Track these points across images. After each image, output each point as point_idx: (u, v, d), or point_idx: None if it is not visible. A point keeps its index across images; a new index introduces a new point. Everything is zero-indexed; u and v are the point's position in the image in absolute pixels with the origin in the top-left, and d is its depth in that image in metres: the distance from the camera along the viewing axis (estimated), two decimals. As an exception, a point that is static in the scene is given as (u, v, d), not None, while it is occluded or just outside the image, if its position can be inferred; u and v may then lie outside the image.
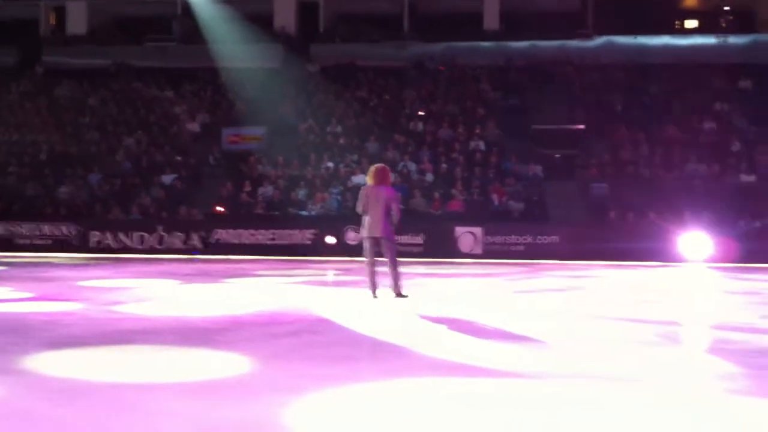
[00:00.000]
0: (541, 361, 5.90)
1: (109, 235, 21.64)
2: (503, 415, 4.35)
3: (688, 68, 27.24)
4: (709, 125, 24.69)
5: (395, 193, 9.72)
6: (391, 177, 10.08)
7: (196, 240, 21.32)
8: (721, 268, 17.57)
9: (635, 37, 29.20)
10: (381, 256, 9.77)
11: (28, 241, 21.77)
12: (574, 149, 24.64)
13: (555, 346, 6.68)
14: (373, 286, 9.78)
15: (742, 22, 30.37)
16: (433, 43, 29.95)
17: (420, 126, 25.48)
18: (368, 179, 9.88)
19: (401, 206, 9.99)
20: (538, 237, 20.44)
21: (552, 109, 26.11)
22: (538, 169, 23.25)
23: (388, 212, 9.53)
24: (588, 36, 29.75)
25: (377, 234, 9.61)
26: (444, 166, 23.17)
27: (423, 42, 30.21)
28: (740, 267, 17.92)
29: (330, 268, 16.37)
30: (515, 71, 28.32)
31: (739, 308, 9.67)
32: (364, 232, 9.76)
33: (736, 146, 23.60)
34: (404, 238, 18.51)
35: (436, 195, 21.70)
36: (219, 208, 22.31)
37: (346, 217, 20.57)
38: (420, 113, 26.04)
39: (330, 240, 20.41)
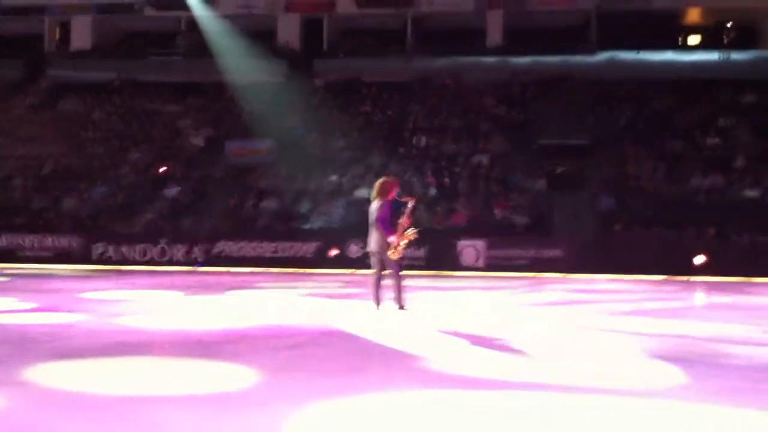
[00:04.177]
0: (543, 373, 5.87)
1: (111, 247, 21.67)
2: (507, 427, 4.33)
3: (692, 83, 27.30)
4: (713, 140, 24.70)
5: (379, 207, 9.66)
6: (395, 189, 9.95)
7: (198, 252, 21.33)
8: (726, 283, 17.53)
9: (638, 53, 29.24)
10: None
11: (31, 253, 21.82)
12: (578, 163, 24.65)
13: (556, 359, 6.66)
14: (377, 299, 9.78)
15: (745, 38, 30.41)
16: (437, 58, 30.02)
17: (423, 140, 25.52)
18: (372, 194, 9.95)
19: (405, 220, 9.79)
20: (542, 251, 20.38)
21: (556, 123, 26.15)
22: (541, 183, 23.24)
23: (382, 226, 9.58)
24: (591, 51, 29.80)
25: (370, 248, 9.81)
26: (447, 180, 23.18)
27: (427, 57, 30.27)
28: (744, 281, 17.88)
29: (333, 281, 16.35)
30: (519, 86, 28.38)
31: (743, 322, 9.63)
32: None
33: (740, 161, 23.61)
34: (406, 251, 18.43)
35: (439, 209, 21.71)
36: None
37: (349, 230, 20.60)
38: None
39: (333, 253, 20.44)
